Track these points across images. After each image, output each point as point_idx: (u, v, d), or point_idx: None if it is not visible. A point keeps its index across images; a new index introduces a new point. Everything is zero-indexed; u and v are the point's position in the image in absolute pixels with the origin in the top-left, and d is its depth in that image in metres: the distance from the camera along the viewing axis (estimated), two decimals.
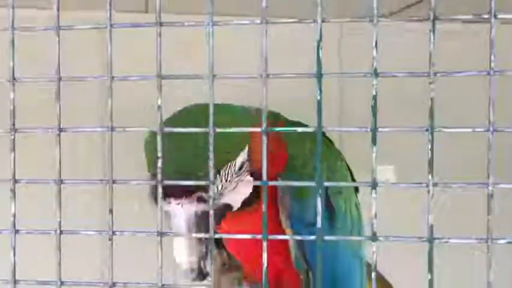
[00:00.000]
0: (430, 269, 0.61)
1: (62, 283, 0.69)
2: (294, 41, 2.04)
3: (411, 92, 1.95)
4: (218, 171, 1.07)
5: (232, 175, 1.10)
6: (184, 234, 1.03)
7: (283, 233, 1.20)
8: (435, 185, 0.61)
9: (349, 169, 1.37)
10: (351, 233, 1.31)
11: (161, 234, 0.67)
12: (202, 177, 0.99)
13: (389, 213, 1.72)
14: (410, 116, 1.82)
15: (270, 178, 1.17)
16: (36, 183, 0.71)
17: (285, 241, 1.23)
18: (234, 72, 0.68)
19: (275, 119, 1.21)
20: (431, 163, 0.61)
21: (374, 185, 0.62)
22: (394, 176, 2.22)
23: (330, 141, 1.35)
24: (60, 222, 0.68)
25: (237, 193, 1.12)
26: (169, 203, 1.02)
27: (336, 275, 1.29)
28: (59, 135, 0.68)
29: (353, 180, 1.39)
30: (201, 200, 1.04)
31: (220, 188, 1.09)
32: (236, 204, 1.13)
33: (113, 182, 0.67)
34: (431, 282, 0.61)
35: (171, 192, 1.01)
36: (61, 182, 0.68)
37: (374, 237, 0.62)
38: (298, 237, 0.67)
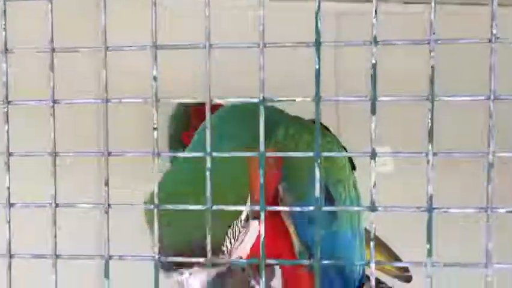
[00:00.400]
0: (429, 239, 0.61)
1: (57, 256, 0.68)
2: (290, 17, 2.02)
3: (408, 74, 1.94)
4: (226, 233, 1.04)
5: (239, 231, 1.08)
6: None
7: (288, 231, 1.22)
8: (435, 154, 0.61)
9: (344, 148, 1.37)
10: (352, 215, 1.31)
11: (157, 206, 0.66)
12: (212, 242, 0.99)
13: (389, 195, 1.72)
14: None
15: (270, 191, 1.18)
16: (31, 155, 0.70)
17: (289, 238, 1.24)
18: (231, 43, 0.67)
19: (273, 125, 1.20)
20: (431, 133, 0.60)
21: (372, 155, 0.62)
22: (391, 158, 2.22)
23: (328, 129, 1.35)
24: (55, 195, 0.68)
25: (245, 243, 1.10)
26: (181, 273, 1.00)
27: (336, 253, 1.30)
28: (53, 107, 0.67)
29: (352, 164, 1.38)
30: (213, 265, 1.01)
31: (229, 248, 1.06)
32: (246, 252, 1.12)
33: (109, 154, 0.67)
34: (429, 251, 0.61)
35: (182, 263, 0.97)
36: (55, 154, 0.67)
37: (373, 207, 0.62)
38: (298, 209, 0.66)
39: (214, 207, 0.66)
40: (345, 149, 1.38)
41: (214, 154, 0.65)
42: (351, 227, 1.31)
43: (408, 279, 1.62)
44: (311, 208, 0.64)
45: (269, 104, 0.63)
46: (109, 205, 0.67)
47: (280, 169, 1.18)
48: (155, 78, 0.66)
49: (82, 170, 1.94)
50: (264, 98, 0.63)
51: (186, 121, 1.49)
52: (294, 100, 0.64)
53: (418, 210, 0.62)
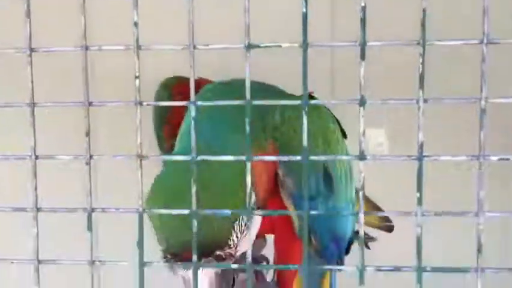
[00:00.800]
0: (419, 188, 0.60)
1: (38, 209, 0.67)
2: None
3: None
4: (233, 227, 1.01)
5: (244, 225, 1.06)
6: None
7: (284, 206, 1.21)
8: (425, 101, 0.59)
9: (334, 117, 1.34)
10: (347, 187, 1.31)
11: (141, 157, 0.64)
12: (219, 237, 0.98)
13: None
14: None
15: (271, 176, 1.17)
16: (10, 107, 0.67)
17: (289, 218, 1.24)
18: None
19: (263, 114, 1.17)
20: (421, 78, 0.58)
21: (361, 102, 0.60)
22: (386, 139, 2.21)
23: (313, 97, 1.32)
24: (34, 146, 0.65)
25: (250, 234, 1.08)
26: (187, 269, 0.97)
27: (332, 224, 1.31)
28: (30, 55, 0.64)
29: (343, 133, 1.36)
30: (220, 258, 1.00)
31: (235, 241, 1.03)
32: (251, 242, 1.10)
33: (89, 103, 0.64)
34: (419, 200, 0.60)
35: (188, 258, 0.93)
36: (34, 104, 0.65)
37: (361, 156, 0.60)
38: (284, 159, 0.64)
39: (204, 211, 0.64)
40: (338, 121, 1.36)
41: (200, 157, 0.63)
42: (346, 199, 1.31)
43: (390, 229, 1.63)
44: (298, 157, 0.62)
45: (254, 48, 0.60)
46: (90, 156, 0.65)
47: (277, 153, 1.16)
48: (136, 24, 0.63)
49: (63, 123, 1.89)
50: (249, 43, 0.61)
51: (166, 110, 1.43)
52: (280, 46, 0.61)
53: (408, 158, 0.60)
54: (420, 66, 0.58)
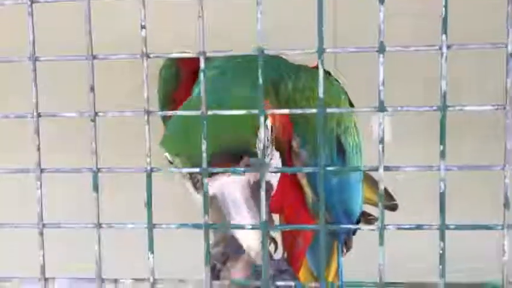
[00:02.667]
0: (442, 140, 0.56)
1: (42, 170, 0.64)
2: None
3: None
4: (255, 133, 0.96)
5: (269, 136, 1.02)
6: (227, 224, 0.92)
7: (299, 183, 1.18)
8: (449, 47, 0.56)
9: (346, 93, 1.31)
10: (358, 159, 1.29)
11: (148, 112, 0.61)
12: (244, 143, 0.94)
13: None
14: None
15: (286, 142, 1.14)
16: (10, 62, 0.64)
17: (301, 190, 1.20)
18: None
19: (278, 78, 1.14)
20: (444, 22, 0.55)
21: (381, 49, 0.57)
22: (390, 127, 2.19)
23: (329, 73, 1.29)
24: (37, 104, 0.62)
25: (275, 154, 1.05)
26: (216, 180, 0.90)
27: (343, 198, 1.29)
28: (31, 5, 0.61)
29: (350, 103, 1.33)
30: (248, 166, 0.93)
31: (267, 146, 1.00)
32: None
33: (94, 57, 0.61)
34: (443, 153, 0.56)
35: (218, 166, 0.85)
36: (36, 59, 0.62)
37: (381, 107, 0.57)
38: (299, 111, 0.61)
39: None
40: (347, 95, 1.33)
41: (210, 112, 0.60)
42: (357, 174, 1.29)
43: (393, 208, 1.59)
44: (314, 110, 0.59)
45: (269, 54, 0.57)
46: (95, 113, 0.62)
47: (290, 124, 1.13)
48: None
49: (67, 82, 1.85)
50: (262, 49, 0.57)
51: (175, 80, 1.40)
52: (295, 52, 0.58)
53: (431, 109, 0.57)
54: (443, 10, 0.55)
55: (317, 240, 1.29)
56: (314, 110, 0.59)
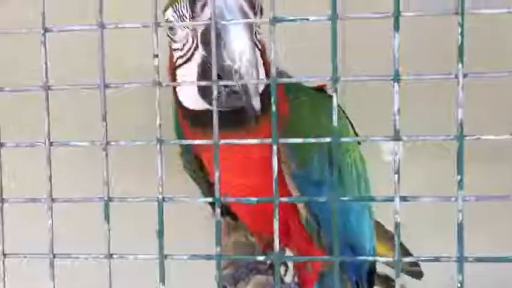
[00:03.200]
0: (460, 170, 0.55)
1: (53, 200, 0.63)
2: None
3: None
4: None
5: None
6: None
7: (289, 193, 1.15)
8: (465, 76, 0.55)
9: (350, 123, 1.31)
10: (358, 186, 1.26)
11: (160, 141, 0.60)
12: None
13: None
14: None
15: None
16: (23, 91, 0.64)
17: (293, 206, 1.17)
18: None
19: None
20: (461, 50, 0.54)
21: (395, 77, 0.56)
22: (402, 148, 2.17)
23: (331, 96, 1.28)
24: (49, 133, 0.62)
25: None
26: None
27: (347, 228, 1.25)
28: (44, 34, 0.61)
29: (355, 134, 1.32)
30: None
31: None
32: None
33: (105, 86, 0.61)
34: (460, 183, 0.55)
35: None
36: (49, 88, 0.62)
37: (396, 136, 0.56)
38: (313, 140, 0.60)
39: None
40: (350, 122, 1.32)
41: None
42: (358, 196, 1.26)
43: (419, 275, 1.52)
44: (328, 139, 0.58)
45: (280, 22, 0.57)
46: (107, 142, 0.61)
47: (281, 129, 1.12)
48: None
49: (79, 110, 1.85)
50: (274, 17, 0.57)
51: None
52: (308, 20, 0.58)
53: (447, 138, 0.56)
54: (459, 37, 0.54)
55: (326, 276, 1.25)
56: (328, 139, 0.58)
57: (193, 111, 1.05)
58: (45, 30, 0.61)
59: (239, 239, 1.49)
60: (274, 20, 0.57)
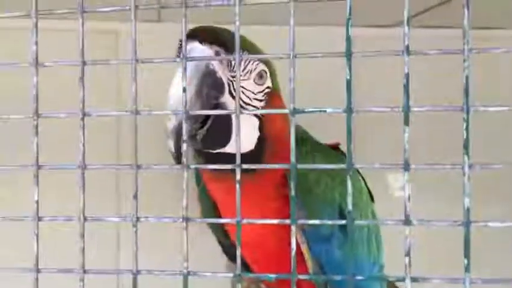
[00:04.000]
0: (467, 254, 0.59)
1: (85, 271, 0.67)
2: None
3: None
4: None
5: (249, 69, 1.10)
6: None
7: (300, 248, 1.19)
8: (471, 166, 0.59)
9: (363, 178, 1.35)
10: (369, 242, 1.29)
11: (186, 219, 0.65)
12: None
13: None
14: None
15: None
16: (60, 169, 0.69)
17: (301, 254, 1.20)
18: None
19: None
20: (466, 143, 0.59)
21: (406, 166, 0.60)
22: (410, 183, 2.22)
23: (343, 153, 1.32)
24: (83, 207, 0.67)
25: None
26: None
27: (357, 284, 1.27)
28: (82, 119, 0.67)
29: (369, 192, 1.36)
30: (218, 54, 1.05)
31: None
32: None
33: (138, 167, 0.66)
34: (467, 267, 0.59)
35: (198, 35, 1.04)
36: (85, 167, 0.67)
37: (407, 221, 0.60)
38: (329, 222, 0.64)
39: None
40: (362, 176, 1.36)
41: (244, 166, 0.65)
42: (368, 253, 1.28)
43: None
44: (343, 222, 0.62)
45: (300, 114, 0.62)
46: (137, 218, 0.66)
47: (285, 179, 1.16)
48: (184, 90, 0.66)
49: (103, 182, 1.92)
50: (294, 108, 0.62)
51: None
52: (325, 111, 0.63)
53: (454, 224, 0.60)
54: (464, 132, 0.58)
55: None
56: (344, 222, 0.62)
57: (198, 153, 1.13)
58: (84, 114, 0.67)
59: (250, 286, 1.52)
60: (294, 112, 0.62)
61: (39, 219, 0.69)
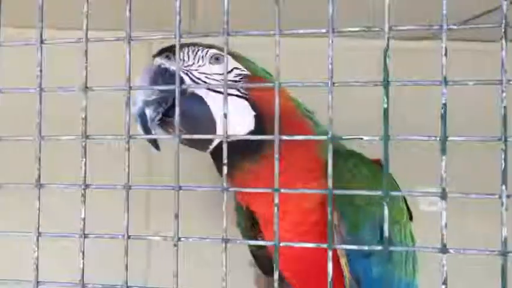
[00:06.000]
0: (503, 285, 0.59)
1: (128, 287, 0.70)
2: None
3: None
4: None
5: (200, 55, 1.18)
6: None
7: (339, 261, 1.20)
8: (509, 196, 0.59)
9: (404, 198, 1.34)
10: (406, 261, 1.29)
11: (226, 241, 0.67)
12: None
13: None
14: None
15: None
16: (106, 188, 0.73)
17: (340, 268, 1.21)
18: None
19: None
20: (504, 174, 0.59)
21: (443, 195, 0.61)
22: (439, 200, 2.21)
23: (381, 164, 1.32)
24: (127, 225, 0.70)
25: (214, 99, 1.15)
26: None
27: None
28: (128, 142, 0.70)
29: (408, 210, 1.36)
30: (168, 58, 1.14)
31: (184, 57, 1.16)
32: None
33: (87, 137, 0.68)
34: None
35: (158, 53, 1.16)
36: (130, 187, 0.70)
37: (444, 249, 0.60)
38: (366, 248, 0.65)
39: None
40: (404, 197, 1.36)
41: (283, 191, 0.66)
42: (405, 273, 1.28)
43: None
44: (379, 248, 0.63)
45: (337, 141, 0.63)
46: (178, 238, 0.69)
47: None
48: (225, 115, 0.68)
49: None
50: (332, 135, 0.63)
51: None
52: (362, 138, 0.64)
53: (491, 253, 0.60)
54: (503, 162, 0.59)
55: None
56: (380, 248, 0.63)
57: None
58: (130, 137, 0.70)
59: None
60: (332, 138, 0.63)
61: (86, 236, 0.72)
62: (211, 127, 1.14)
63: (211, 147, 1.16)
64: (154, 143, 1.13)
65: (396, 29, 0.62)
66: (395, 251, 1.26)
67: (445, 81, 0.60)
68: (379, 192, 0.63)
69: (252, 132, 1.15)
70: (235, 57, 1.21)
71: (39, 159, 0.73)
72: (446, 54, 0.60)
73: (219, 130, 1.14)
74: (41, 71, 0.74)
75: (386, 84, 0.62)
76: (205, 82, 1.17)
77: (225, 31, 0.66)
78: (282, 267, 1.35)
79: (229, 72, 1.19)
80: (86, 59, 0.72)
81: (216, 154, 1.19)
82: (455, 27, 0.60)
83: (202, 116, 1.14)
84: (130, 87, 0.70)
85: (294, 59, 1.72)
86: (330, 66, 0.64)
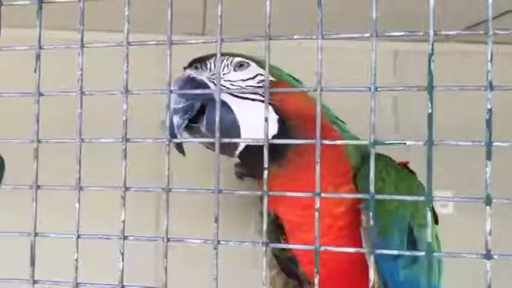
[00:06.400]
0: None
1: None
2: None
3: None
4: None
5: (225, 63, 1.21)
6: None
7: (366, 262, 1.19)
8: None
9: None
10: (432, 264, 1.29)
11: (266, 244, 0.67)
12: None
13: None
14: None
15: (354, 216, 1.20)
16: (146, 190, 0.73)
17: (365, 271, 1.21)
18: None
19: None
20: None
21: (488, 201, 0.60)
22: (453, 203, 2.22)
23: (411, 171, 1.33)
24: (167, 228, 0.70)
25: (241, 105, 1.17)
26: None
27: None
28: (168, 145, 0.70)
29: (433, 211, 1.35)
30: (196, 68, 1.20)
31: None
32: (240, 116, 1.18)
33: (169, 140, 0.69)
34: None
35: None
36: (169, 190, 0.71)
37: (488, 255, 0.60)
38: (407, 253, 0.65)
39: None
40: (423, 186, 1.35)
41: (323, 195, 0.66)
42: (431, 275, 1.28)
43: None
44: (422, 253, 0.63)
45: (379, 145, 0.63)
46: (218, 242, 0.69)
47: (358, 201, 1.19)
48: (266, 119, 0.68)
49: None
50: (375, 140, 0.63)
51: None
52: (405, 143, 0.64)
53: None
54: None
55: None
56: (422, 253, 0.63)
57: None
58: (170, 140, 0.70)
59: None
60: (374, 143, 0.63)
61: (126, 238, 0.73)
62: (235, 132, 1.16)
63: (237, 152, 1.18)
64: (180, 148, 1.15)
65: (440, 33, 0.62)
66: (418, 248, 1.26)
67: (491, 86, 0.60)
68: (422, 198, 0.63)
69: (275, 137, 1.16)
70: (259, 63, 1.22)
71: (80, 162, 0.74)
72: (491, 60, 0.60)
73: (243, 134, 1.16)
74: (81, 74, 0.74)
75: (430, 89, 0.62)
76: (228, 89, 1.20)
77: (267, 35, 0.66)
78: (309, 270, 1.35)
79: (253, 78, 1.21)
80: (127, 62, 0.72)
81: (241, 159, 1.21)
82: (501, 32, 0.60)
83: (227, 121, 1.16)
84: (171, 91, 0.71)
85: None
86: (373, 71, 0.64)
